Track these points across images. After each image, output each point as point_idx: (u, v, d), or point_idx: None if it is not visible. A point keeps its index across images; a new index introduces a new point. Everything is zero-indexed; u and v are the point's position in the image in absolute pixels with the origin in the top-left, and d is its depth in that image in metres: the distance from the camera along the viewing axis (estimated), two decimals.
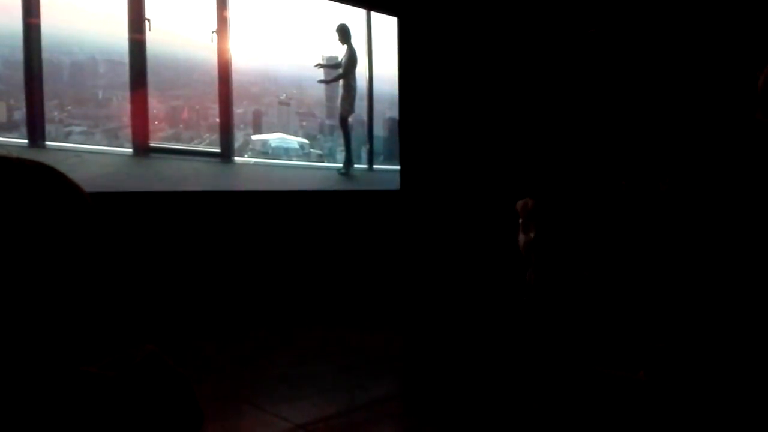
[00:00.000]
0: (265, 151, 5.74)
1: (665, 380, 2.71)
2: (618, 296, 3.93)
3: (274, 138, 5.79)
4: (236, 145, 5.47)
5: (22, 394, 0.60)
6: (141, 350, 0.67)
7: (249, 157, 5.60)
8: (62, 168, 0.71)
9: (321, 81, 6.01)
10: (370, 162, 6.39)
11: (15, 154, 0.71)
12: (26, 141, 4.33)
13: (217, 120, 5.32)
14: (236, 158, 5.47)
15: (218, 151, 5.34)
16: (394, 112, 6.47)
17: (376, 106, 6.42)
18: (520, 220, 4.47)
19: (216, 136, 5.34)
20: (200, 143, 5.30)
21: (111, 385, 0.62)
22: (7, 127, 4.32)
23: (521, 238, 4.47)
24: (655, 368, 2.83)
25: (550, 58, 5.92)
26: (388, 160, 6.47)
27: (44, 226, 0.63)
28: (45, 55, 4.35)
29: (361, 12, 6.21)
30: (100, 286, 0.68)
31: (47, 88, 4.40)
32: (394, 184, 6.35)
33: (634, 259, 3.99)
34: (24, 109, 4.34)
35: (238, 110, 5.45)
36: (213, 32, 5.19)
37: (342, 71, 6.06)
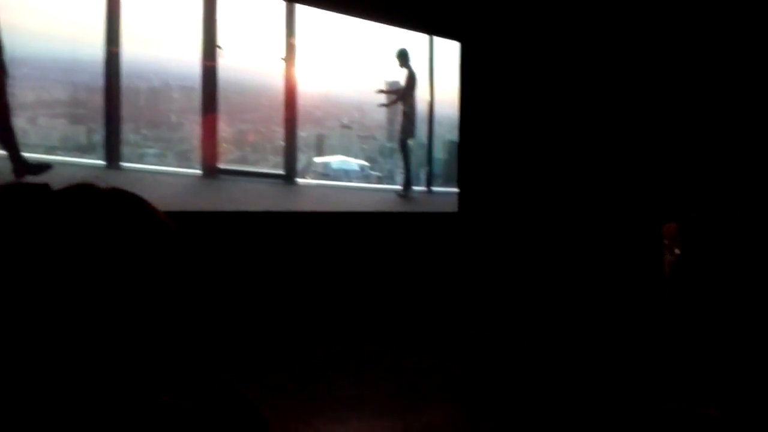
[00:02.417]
0: (326, 173, 5.86)
1: (742, 419, 2.60)
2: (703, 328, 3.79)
3: (336, 160, 5.92)
4: (299, 167, 5.61)
5: (103, 422, 0.62)
6: (216, 380, 0.70)
7: (311, 178, 5.73)
8: (136, 188, 0.73)
9: (382, 104, 6.11)
10: (429, 184, 6.42)
11: (104, 182, 0.72)
12: (104, 162, 4.58)
13: (282, 143, 5.48)
14: (299, 180, 5.60)
15: (282, 173, 5.49)
16: (455, 135, 6.49)
17: (437, 129, 6.45)
18: (665, 242, 4.54)
19: (280, 159, 5.49)
20: (265, 165, 5.47)
21: (190, 416, 0.65)
22: (86, 149, 4.59)
23: (666, 259, 4.56)
24: (732, 406, 2.71)
25: (612, 84, 5.82)
26: (447, 183, 6.48)
27: (132, 255, 0.65)
28: (123, 81, 4.61)
29: (424, 36, 6.29)
30: (180, 312, 0.70)
31: (124, 112, 4.65)
32: (453, 206, 6.34)
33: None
34: (102, 132, 4.59)
35: (301, 133, 5.60)
36: (281, 59, 5.37)
37: (401, 94, 6.15)
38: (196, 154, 5.04)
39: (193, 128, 5.06)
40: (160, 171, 4.83)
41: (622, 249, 5.33)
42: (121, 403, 0.63)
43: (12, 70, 4.13)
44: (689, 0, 5.36)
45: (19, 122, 4.24)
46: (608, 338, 4.56)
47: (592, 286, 5.47)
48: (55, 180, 0.71)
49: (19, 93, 4.23)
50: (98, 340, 0.63)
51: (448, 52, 6.41)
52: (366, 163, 6.08)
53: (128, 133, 4.74)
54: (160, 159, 4.89)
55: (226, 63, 5.06)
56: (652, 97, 5.59)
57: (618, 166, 5.81)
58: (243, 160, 5.33)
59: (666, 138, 5.43)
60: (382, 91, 6.07)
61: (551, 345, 4.63)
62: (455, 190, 6.40)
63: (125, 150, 4.69)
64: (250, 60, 5.31)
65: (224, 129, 5.16)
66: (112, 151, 4.62)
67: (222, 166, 5.13)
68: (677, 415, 2.94)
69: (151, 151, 4.88)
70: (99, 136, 4.60)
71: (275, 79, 5.39)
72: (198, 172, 5.03)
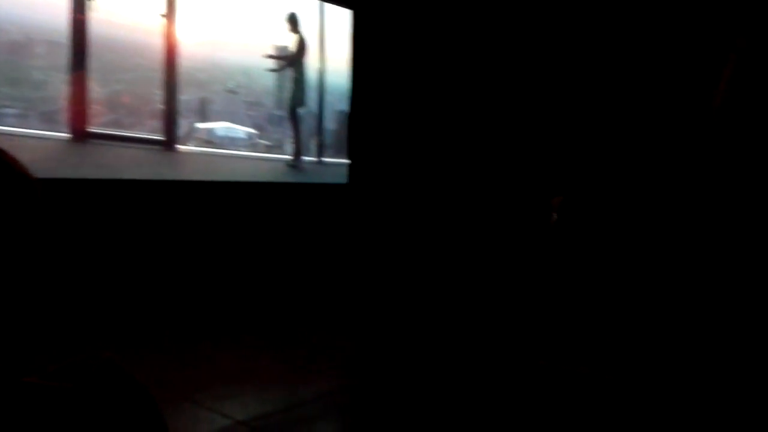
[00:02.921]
0: (210, 140, 5.60)
1: (626, 378, 2.80)
2: (586, 295, 4.04)
3: (221, 127, 5.66)
4: (180, 133, 5.31)
5: None
6: (96, 358, 0.61)
7: (193, 145, 5.45)
8: None
9: (270, 69, 5.91)
10: (320, 155, 6.33)
11: None
12: None
13: (161, 106, 5.15)
14: (180, 146, 5.31)
15: (161, 138, 5.17)
16: (346, 105, 6.42)
17: (328, 98, 6.35)
18: (553, 213, 4.71)
19: (159, 123, 5.17)
20: (142, 130, 5.12)
21: (66, 399, 0.56)
22: None
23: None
24: (618, 366, 2.91)
25: (507, 54, 5.97)
26: (338, 154, 6.42)
27: None
28: None
29: (315, 1, 6.13)
30: (44, 282, 0.62)
31: None
32: (344, 177, 6.31)
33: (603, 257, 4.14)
34: None
35: (183, 97, 5.28)
36: (161, 16, 5.02)
37: (290, 60, 5.97)
38: (63, 116, 4.62)
39: (60, 87, 4.62)
40: (21, 134, 4.38)
41: (512, 222, 5.55)
42: None
43: None
44: None
45: None
46: (490, 304, 4.76)
47: (481, 258, 5.68)
48: None
49: None
50: None
51: (340, 19, 6.29)
52: (254, 131, 5.88)
53: None
54: (21, 120, 4.42)
55: (98, 17, 4.64)
56: (549, 75, 5.79)
57: (512, 140, 5.99)
58: (117, 124, 4.95)
59: (557, 120, 5.68)
60: (270, 56, 5.86)
61: (438, 313, 4.77)
62: (346, 161, 6.36)
63: None
64: (126, 15, 4.91)
65: (95, 89, 4.75)
66: None
67: (93, 129, 4.73)
68: (550, 373, 3.13)
69: (10, 111, 4.41)
70: None
71: (154, 38, 5.02)
72: (65, 135, 4.61)
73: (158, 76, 5.07)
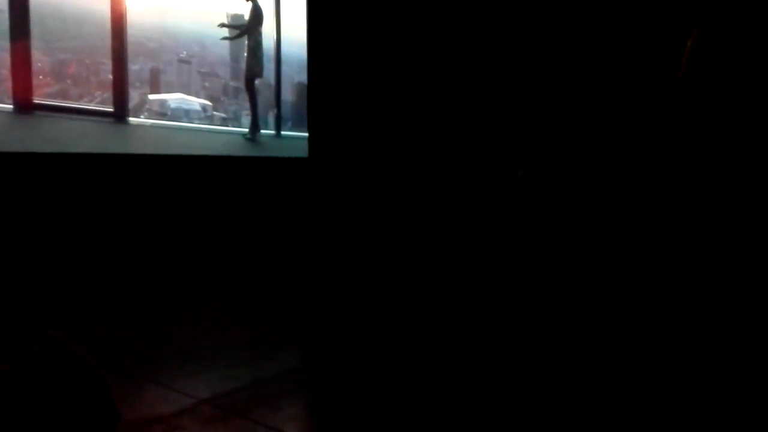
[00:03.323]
0: (163, 112, 5.42)
1: (570, 346, 2.83)
2: (530, 262, 4.06)
3: (174, 98, 5.48)
4: (131, 104, 5.12)
5: None
6: (38, 336, 0.54)
7: (146, 117, 5.26)
8: None
9: (224, 38, 5.71)
10: (278, 128, 6.19)
11: None
12: None
13: (110, 77, 4.94)
14: (131, 118, 5.12)
15: (111, 110, 4.98)
16: (304, 77, 6.29)
17: (285, 69, 6.19)
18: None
19: (108, 94, 4.96)
20: (91, 101, 4.92)
21: (4, 381, 0.49)
22: None
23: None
24: (561, 334, 2.94)
25: (469, 24, 5.92)
26: (297, 126, 6.29)
27: None
28: None
29: None
30: None
31: None
32: (303, 151, 6.20)
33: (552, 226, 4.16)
34: None
35: (133, 67, 5.08)
36: None
37: (245, 29, 5.78)
38: (5, 87, 4.40)
39: (1, 56, 4.39)
40: None
41: (478, 195, 5.55)
42: None
43: None
44: None
45: None
46: (453, 277, 4.77)
47: (446, 231, 5.69)
48: None
49: None
50: None
51: None
52: (208, 103, 5.71)
53: None
54: None
55: None
56: (511, 49, 5.76)
57: (476, 112, 5.97)
58: (63, 95, 4.74)
59: (520, 93, 5.67)
60: (224, 25, 5.66)
61: (403, 288, 4.76)
62: (305, 134, 6.24)
63: None
64: None
65: (39, 58, 4.53)
66: None
67: (38, 101, 4.52)
68: (514, 344, 3.16)
69: None
70: None
71: (100, 4, 4.80)
72: (8, 107, 4.40)
73: (106, 44, 4.86)
